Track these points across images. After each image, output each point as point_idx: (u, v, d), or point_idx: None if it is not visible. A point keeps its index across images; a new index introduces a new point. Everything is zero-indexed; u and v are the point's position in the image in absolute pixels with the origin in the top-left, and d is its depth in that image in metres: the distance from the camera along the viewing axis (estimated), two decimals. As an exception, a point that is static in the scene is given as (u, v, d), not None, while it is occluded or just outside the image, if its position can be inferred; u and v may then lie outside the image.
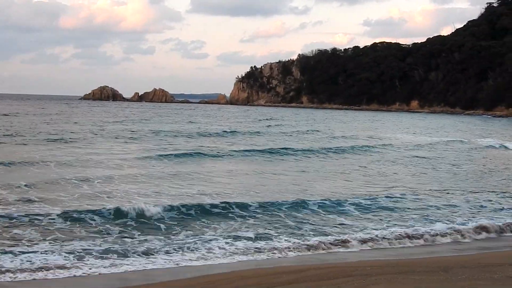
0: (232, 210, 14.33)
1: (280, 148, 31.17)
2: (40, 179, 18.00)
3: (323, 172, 23.39)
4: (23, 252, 10.14)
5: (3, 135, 34.95)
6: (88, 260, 9.99)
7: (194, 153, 27.85)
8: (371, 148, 34.04)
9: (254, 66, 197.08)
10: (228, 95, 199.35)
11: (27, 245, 10.63)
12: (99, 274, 9.54)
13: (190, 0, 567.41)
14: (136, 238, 11.69)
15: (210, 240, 11.59)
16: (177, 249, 10.89)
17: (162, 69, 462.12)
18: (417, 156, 30.07)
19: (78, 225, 12.35)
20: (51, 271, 9.38)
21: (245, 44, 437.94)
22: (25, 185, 16.65)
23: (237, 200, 15.42)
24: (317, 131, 50.89)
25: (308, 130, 50.88)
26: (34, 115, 66.71)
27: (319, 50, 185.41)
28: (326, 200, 15.96)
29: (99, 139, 35.10)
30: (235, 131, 45.41)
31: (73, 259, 9.96)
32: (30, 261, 9.70)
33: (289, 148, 31.54)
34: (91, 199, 15.22)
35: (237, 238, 11.87)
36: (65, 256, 10.07)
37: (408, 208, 15.60)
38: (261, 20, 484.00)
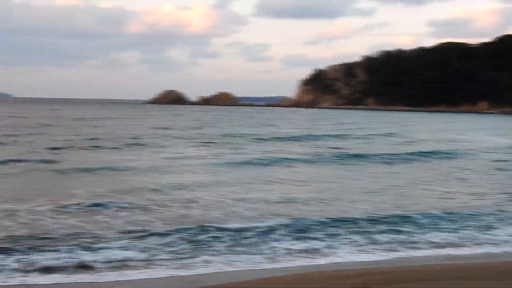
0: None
1: (367, 154, 30.08)
2: (132, 186, 17.97)
3: (419, 178, 22.02)
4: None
5: (88, 139, 36.36)
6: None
7: (281, 158, 27.26)
8: (465, 152, 32.33)
9: (319, 69, 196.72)
10: (291, 97, 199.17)
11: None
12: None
13: (254, 4, 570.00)
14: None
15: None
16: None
17: (227, 72, 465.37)
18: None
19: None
20: None
21: (309, 46, 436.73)
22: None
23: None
24: (394, 133, 50.24)
25: (386, 133, 49.85)
26: (108, 119, 69.55)
27: (383, 51, 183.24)
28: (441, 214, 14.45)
29: (176, 143, 35.39)
30: (317, 135, 45.19)
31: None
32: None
33: (376, 154, 30.30)
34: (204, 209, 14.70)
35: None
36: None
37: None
38: (325, 22, 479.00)
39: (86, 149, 30.37)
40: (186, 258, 10.17)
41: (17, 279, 8.88)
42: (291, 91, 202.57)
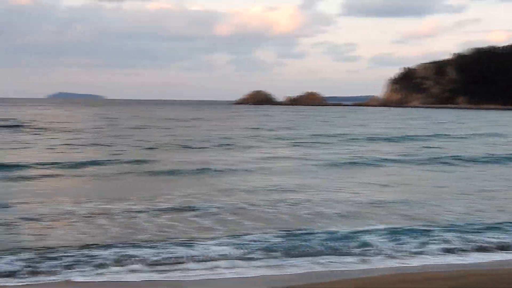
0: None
1: (466, 156, 28.56)
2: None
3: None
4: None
5: (181, 139, 37.14)
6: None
7: (375, 159, 26.55)
8: None
9: (408, 67, 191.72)
10: (379, 97, 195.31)
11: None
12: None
13: (341, 3, 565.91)
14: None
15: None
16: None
17: (314, 72, 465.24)
18: None
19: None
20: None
21: (397, 45, 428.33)
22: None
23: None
24: (495, 133, 47.68)
25: (486, 133, 47.53)
26: (199, 120, 70.97)
27: (475, 48, 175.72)
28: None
29: (267, 144, 35.41)
30: (411, 135, 43.80)
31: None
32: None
33: (475, 155, 29.00)
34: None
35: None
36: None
37: None
38: (414, 20, 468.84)
39: (179, 150, 31.03)
40: (277, 258, 10.23)
41: (110, 276, 9.13)
42: (377, 90, 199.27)
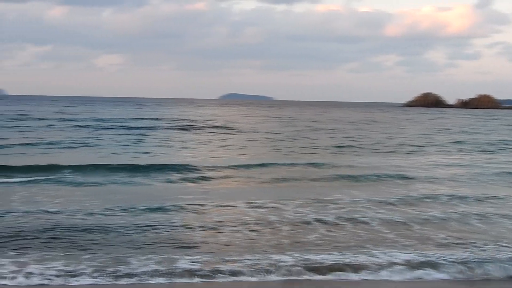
0: None
1: None
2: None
3: None
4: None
5: (358, 142, 37.29)
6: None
7: None
8: None
9: None
10: None
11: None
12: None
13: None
14: None
15: None
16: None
17: (487, 74, 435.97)
18: None
19: None
20: None
21: None
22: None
23: None
24: None
25: None
26: (371, 122, 70.66)
27: None
28: None
29: (446, 149, 34.20)
30: None
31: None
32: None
33: None
34: None
35: None
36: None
37: None
38: None
39: (364, 153, 31.06)
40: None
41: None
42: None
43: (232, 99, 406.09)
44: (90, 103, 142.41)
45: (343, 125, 63.68)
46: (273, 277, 9.54)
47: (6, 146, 30.12)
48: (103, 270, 9.54)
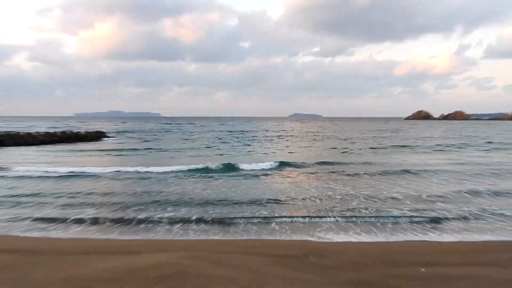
0: None
1: None
2: None
3: None
4: None
5: None
6: None
7: None
8: None
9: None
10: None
11: None
12: None
13: None
14: None
15: None
16: None
17: (461, 97, 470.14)
18: None
19: None
20: None
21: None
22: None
23: None
24: None
25: None
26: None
27: None
28: None
29: None
30: None
31: None
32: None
33: None
34: None
35: None
36: None
37: None
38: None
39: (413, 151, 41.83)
40: None
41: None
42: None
43: (296, 117, 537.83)
44: (212, 121, 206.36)
45: (380, 133, 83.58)
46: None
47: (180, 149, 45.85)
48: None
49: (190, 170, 27.21)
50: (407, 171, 26.56)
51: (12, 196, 19.63)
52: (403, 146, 48.32)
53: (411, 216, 15.74)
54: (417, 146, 49.09)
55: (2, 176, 25.08)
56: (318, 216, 15.90)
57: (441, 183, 22.62)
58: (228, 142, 58.05)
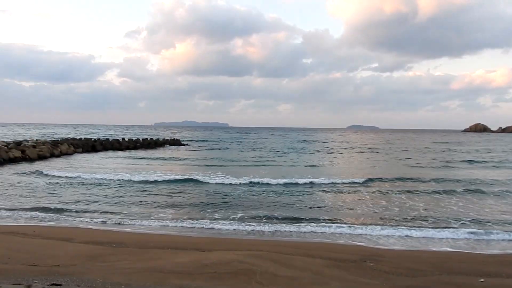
0: None
1: None
2: None
3: None
4: None
5: None
6: None
7: None
8: None
9: None
10: None
11: None
12: None
13: None
14: None
15: None
16: None
17: None
18: None
19: None
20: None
21: None
22: None
23: None
24: None
25: None
26: None
27: None
28: None
29: None
30: None
31: None
32: None
33: None
34: None
35: None
36: None
37: None
38: None
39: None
40: None
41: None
42: None
43: (354, 128, 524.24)
44: (276, 131, 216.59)
45: (447, 145, 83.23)
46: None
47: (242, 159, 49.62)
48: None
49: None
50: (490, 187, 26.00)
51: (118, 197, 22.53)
52: (478, 162, 45.97)
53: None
54: (491, 160, 46.99)
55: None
56: (379, 225, 16.05)
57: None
58: (312, 154, 59.31)
